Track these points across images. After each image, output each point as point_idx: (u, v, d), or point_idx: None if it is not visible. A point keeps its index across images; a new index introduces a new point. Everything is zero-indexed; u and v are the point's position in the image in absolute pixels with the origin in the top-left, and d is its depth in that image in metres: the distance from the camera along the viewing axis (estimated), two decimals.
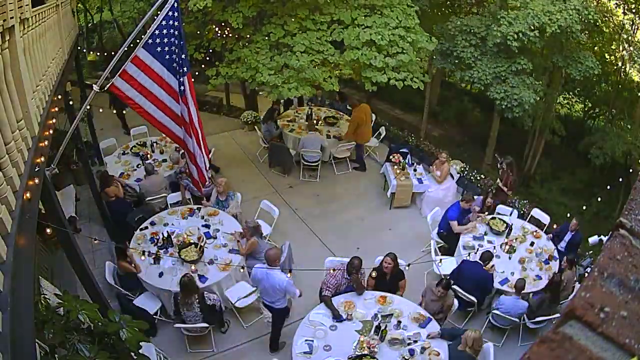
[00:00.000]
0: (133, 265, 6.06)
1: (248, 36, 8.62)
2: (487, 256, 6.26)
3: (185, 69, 4.70)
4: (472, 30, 10.45)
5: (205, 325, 5.68)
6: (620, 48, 13.59)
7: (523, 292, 5.94)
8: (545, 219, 7.76)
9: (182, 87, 4.74)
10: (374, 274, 5.82)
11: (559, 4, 9.80)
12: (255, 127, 10.69)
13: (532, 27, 9.53)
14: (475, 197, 7.52)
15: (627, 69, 13.93)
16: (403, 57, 7.74)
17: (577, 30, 9.97)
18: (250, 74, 7.93)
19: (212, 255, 6.47)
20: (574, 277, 6.28)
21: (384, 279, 5.96)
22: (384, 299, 5.82)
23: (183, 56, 4.65)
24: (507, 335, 6.24)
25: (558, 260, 6.66)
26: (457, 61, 10.70)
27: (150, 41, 4.41)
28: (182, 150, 7.04)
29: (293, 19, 8.21)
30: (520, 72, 10.22)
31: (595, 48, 13.75)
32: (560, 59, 11.06)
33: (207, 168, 5.74)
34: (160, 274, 6.14)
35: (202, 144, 5.41)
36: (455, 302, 5.96)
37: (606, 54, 13.96)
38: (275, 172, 9.74)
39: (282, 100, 10.95)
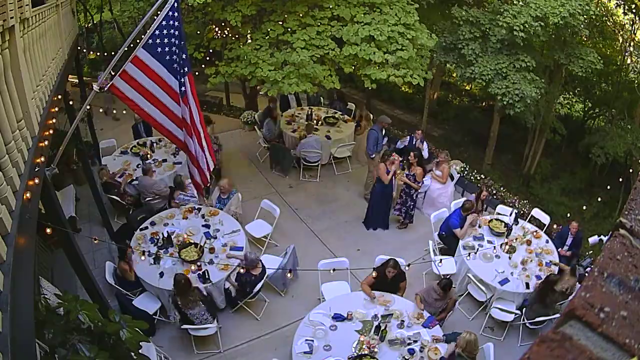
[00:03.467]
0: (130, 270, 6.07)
1: (248, 34, 8.63)
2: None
3: (185, 69, 4.69)
4: (477, 21, 10.44)
5: (214, 325, 5.69)
6: (621, 41, 13.59)
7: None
8: (545, 219, 7.76)
9: (182, 88, 4.74)
10: (374, 274, 5.82)
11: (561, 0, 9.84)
12: (255, 127, 10.70)
13: (536, 18, 9.57)
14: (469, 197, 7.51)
15: (628, 69, 13.94)
16: (402, 54, 7.73)
17: (579, 24, 9.97)
18: (250, 69, 7.93)
19: (213, 255, 6.47)
20: (575, 284, 6.23)
21: (385, 280, 5.97)
22: (383, 299, 5.82)
23: (184, 56, 4.64)
24: (506, 333, 6.25)
25: (558, 265, 6.67)
26: (458, 58, 10.71)
27: (150, 41, 4.40)
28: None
29: (292, 16, 8.21)
30: (522, 69, 10.24)
31: (600, 46, 13.76)
32: (562, 55, 11.06)
33: (210, 169, 5.72)
34: (161, 274, 6.13)
35: (204, 145, 5.39)
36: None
37: (607, 52, 13.96)
38: (276, 173, 9.73)
39: (278, 102, 10.92)
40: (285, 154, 9.49)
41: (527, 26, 9.54)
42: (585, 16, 10.04)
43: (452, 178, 8.96)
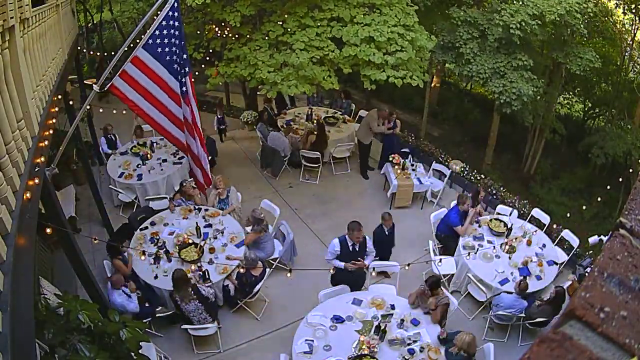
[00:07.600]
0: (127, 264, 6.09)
1: (247, 35, 8.63)
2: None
3: (186, 69, 4.70)
4: (475, 21, 10.45)
5: (214, 325, 5.70)
6: (621, 41, 13.60)
7: (526, 292, 5.94)
8: (545, 219, 7.76)
9: (184, 88, 4.74)
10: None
11: None
12: (254, 127, 10.70)
13: (533, 16, 9.58)
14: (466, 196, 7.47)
15: (628, 68, 13.94)
16: (402, 55, 7.74)
17: (577, 23, 9.96)
18: (249, 71, 7.93)
19: (212, 255, 6.47)
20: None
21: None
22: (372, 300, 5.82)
23: (184, 56, 4.64)
24: (508, 333, 6.24)
25: (558, 265, 6.67)
26: (456, 57, 10.71)
27: (150, 41, 4.41)
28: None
29: (292, 17, 8.22)
30: (519, 67, 10.24)
31: (599, 45, 13.75)
32: (561, 55, 11.06)
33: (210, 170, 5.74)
34: (156, 277, 6.14)
35: (204, 145, 5.40)
36: (455, 301, 5.94)
37: (607, 52, 13.97)
38: (268, 175, 9.68)
39: (273, 104, 10.87)
40: (274, 156, 9.39)
41: (523, 24, 9.54)
42: (583, 14, 10.05)
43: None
